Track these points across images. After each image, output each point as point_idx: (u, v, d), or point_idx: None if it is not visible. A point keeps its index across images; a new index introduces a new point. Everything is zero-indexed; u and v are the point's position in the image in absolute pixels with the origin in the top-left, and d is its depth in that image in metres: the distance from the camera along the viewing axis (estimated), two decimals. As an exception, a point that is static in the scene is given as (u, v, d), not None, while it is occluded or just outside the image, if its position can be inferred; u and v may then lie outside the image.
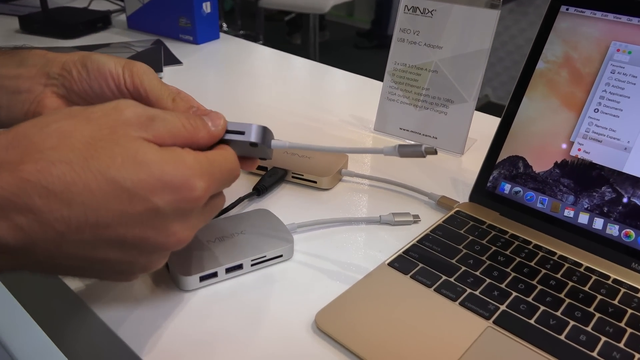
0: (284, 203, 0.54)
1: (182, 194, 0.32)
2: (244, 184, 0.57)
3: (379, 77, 0.88)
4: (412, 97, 0.67)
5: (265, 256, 0.45)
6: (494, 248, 0.47)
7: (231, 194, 0.55)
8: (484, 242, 0.48)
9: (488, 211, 0.53)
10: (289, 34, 3.79)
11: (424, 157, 0.41)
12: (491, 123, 0.76)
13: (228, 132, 0.38)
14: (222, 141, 0.38)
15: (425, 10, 0.65)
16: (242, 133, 0.39)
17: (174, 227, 0.32)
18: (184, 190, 0.32)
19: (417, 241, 0.48)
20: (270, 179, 0.56)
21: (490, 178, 0.54)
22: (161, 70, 0.87)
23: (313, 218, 0.52)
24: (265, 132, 0.40)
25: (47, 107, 0.42)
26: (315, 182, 0.57)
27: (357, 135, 0.70)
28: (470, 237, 0.49)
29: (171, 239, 0.33)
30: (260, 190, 0.54)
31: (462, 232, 0.49)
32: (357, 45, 3.86)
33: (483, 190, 0.54)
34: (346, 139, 0.69)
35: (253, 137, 0.39)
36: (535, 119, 0.51)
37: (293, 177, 0.57)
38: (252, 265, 0.44)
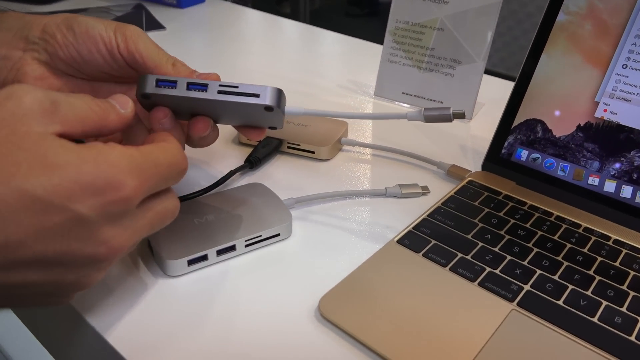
0: (279, 176, 0.50)
1: (107, 195, 0.26)
2: (235, 155, 0.52)
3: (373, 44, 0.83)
4: (416, 58, 0.62)
5: (260, 235, 0.40)
6: (512, 221, 0.43)
7: (221, 167, 0.50)
8: (501, 214, 0.44)
9: (503, 180, 0.48)
10: (277, 3, 3.68)
11: (451, 121, 0.39)
12: (499, 86, 0.71)
13: (240, 94, 0.35)
14: (232, 104, 0.35)
15: (429, -39, 0.59)
16: (256, 95, 0.35)
17: (104, 234, 0.27)
18: (109, 190, 0.26)
19: (428, 215, 0.43)
20: (264, 149, 0.51)
21: (505, 144, 0.49)
22: (143, 36, 0.81)
23: (312, 191, 0.47)
24: (281, 96, 0.36)
25: (28, 74, 0.37)
26: (313, 152, 0.52)
27: (356, 101, 0.65)
28: (486, 210, 0.44)
29: (102, 248, 0.27)
30: (253, 163, 0.49)
31: (476, 204, 0.45)
32: (348, 13, 3.76)
33: (497, 158, 0.49)
34: (345, 105, 0.64)
35: (268, 99, 0.35)
36: (555, 77, 0.46)
37: (289, 147, 0.52)
38: (246, 246, 0.40)
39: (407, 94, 0.63)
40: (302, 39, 0.89)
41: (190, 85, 0.35)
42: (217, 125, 0.41)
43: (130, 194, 0.27)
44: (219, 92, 0.35)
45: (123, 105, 0.32)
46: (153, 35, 0.84)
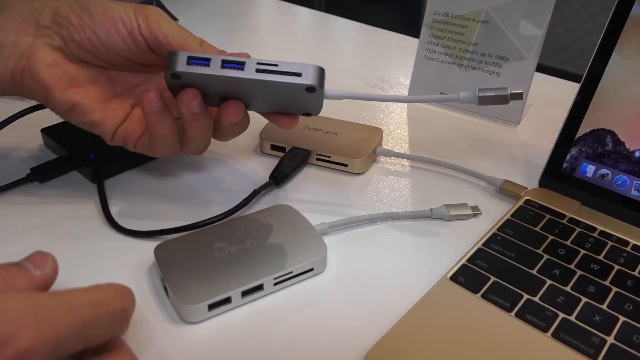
0: (308, 194, 0.44)
1: (4, 349, 0.21)
2: (258, 168, 0.46)
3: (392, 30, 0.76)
4: (456, 54, 0.55)
5: (291, 272, 0.34)
6: (582, 252, 0.37)
7: (243, 183, 0.44)
8: (568, 243, 0.38)
9: (566, 200, 0.42)
10: (291, -14, 3.59)
11: (507, 103, 0.35)
12: (549, 83, 0.64)
13: (281, 73, 0.32)
14: (271, 85, 0.32)
15: (474, -56, 0.52)
16: (297, 75, 0.32)
17: None
18: (5, 343, 0.21)
19: (483, 244, 0.38)
20: (290, 163, 0.45)
21: (568, 157, 0.43)
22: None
23: (346, 212, 0.41)
24: (323, 75, 0.33)
25: (40, 61, 0.35)
26: (345, 165, 0.46)
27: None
28: (550, 237, 0.38)
29: None
30: (279, 179, 0.43)
31: (538, 229, 0.39)
32: (364, -4, 3.66)
33: (558, 173, 0.43)
34: (375, 106, 0.57)
35: (311, 79, 0.32)
36: (628, 80, 0.40)
37: (318, 158, 0.47)
38: (275, 284, 0.34)
39: (445, 93, 0.57)
40: (321, 29, 0.82)
41: (226, 64, 0.32)
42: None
43: (23, 348, 0.21)
44: (257, 70, 0.32)
45: (39, 265, 0.26)
46: (164, 27, 0.78)
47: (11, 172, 0.44)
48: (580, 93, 0.42)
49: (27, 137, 0.48)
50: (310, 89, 0.33)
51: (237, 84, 0.33)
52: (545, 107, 0.58)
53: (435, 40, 0.56)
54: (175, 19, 0.80)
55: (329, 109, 0.54)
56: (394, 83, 0.63)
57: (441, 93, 0.57)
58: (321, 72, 0.33)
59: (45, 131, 0.47)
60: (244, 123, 0.38)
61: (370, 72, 0.65)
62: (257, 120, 0.50)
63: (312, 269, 0.35)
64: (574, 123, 0.42)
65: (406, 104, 0.58)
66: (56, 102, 0.36)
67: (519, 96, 0.35)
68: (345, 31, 0.82)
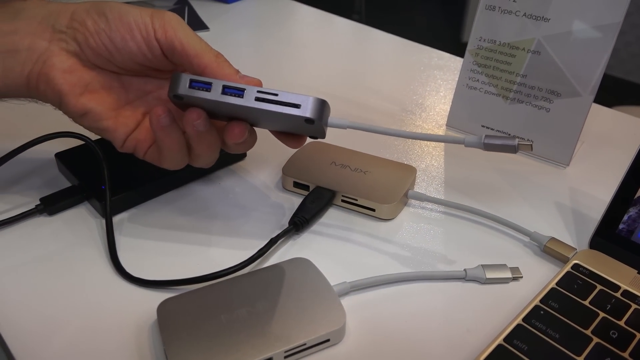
0: (330, 242, 0.40)
1: None
2: (278, 207, 0.43)
3: (430, 30, 0.71)
4: (502, 85, 0.51)
5: (305, 344, 0.31)
6: (638, 336, 0.32)
7: (260, 225, 0.41)
8: (622, 324, 0.33)
9: (621, 267, 0.37)
10: (332, -20, 3.54)
11: (515, 152, 0.34)
12: (604, 116, 0.58)
13: (279, 103, 0.33)
14: (270, 113, 0.33)
15: (528, -34, 0.47)
16: (296, 106, 0.33)
17: None
18: None
19: (523, 319, 0.33)
20: (313, 206, 0.41)
21: (625, 218, 0.38)
22: (183, 38, 0.73)
23: (371, 265, 0.38)
24: (324, 108, 0.34)
25: (56, 67, 0.35)
26: (373, 209, 0.42)
27: (423, 131, 0.54)
28: (601, 315, 0.34)
29: None
30: (299, 225, 0.40)
31: (587, 303, 0.34)
32: (406, -8, 3.57)
33: (612, 235, 0.38)
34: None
35: (309, 112, 0.33)
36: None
37: (343, 200, 0.43)
38: (286, 357, 0.31)
39: (487, 127, 0.52)
40: (358, 43, 0.78)
41: (227, 89, 0.33)
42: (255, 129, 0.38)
43: None
44: (257, 99, 0.33)
45: None
46: (194, 36, 0.75)
47: (25, 197, 0.42)
48: (644, 146, 0.37)
49: (44, 159, 0.46)
50: (308, 120, 0.33)
51: (238, 109, 0.34)
52: (599, 145, 0.53)
53: (479, 68, 0.51)
54: (206, 27, 0.78)
55: (360, 138, 0.50)
56: (431, 111, 0.58)
57: (483, 126, 0.53)
58: (321, 104, 0.33)
59: (59, 156, 0.45)
60: (250, 142, 0.38)
61: (407, 96, 0.61)
62: (280, 154, 0.47)
63: (328, 340, 0.32)
64: (634, 178, 0.37)
65: (442, 131, 0.54)
66: (70, 108, 0.36)
67: (528, 147, 0.34)
68: (384, 45, 0.77)
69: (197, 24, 0.78)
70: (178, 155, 0.37)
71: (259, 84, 0.35)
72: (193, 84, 0.33)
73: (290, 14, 0.86)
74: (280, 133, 0.39)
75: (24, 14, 0.35)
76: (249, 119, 0.36)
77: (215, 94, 0.33)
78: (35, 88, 0.36)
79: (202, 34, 0.76)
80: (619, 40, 2.20)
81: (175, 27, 0.35)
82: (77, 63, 0.36)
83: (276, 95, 0.33)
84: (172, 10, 0.82)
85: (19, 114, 0.39)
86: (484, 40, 0.50)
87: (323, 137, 0.37)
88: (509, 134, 0.51)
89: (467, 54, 0.52)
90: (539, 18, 0.47)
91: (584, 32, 0.45)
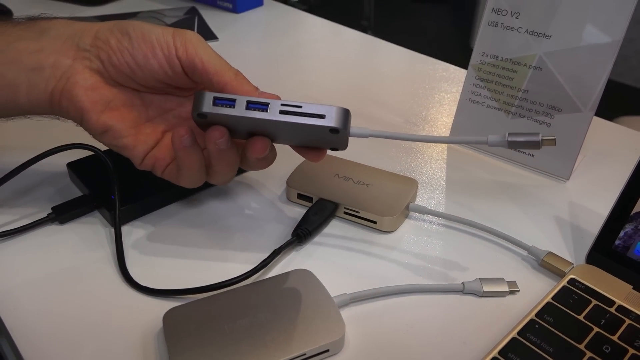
0: (331, 253, 0.41)
1: None
2: (282, 219, 0.44)
3: (438, 36, 0.72)
4: (504, 99, 0.51)
5: (304, 354, 0.32)
6: (631, 351, 0.33)
7: (264, 236, 0.42)
8: (615, 339, 0.34)
9: (616, 282, 0.38)
10: (342, -14, 3.55)
11: (539, 148, 0.35)
12: (605, 130, 0.59)
13: (304, 115, 0.33)
14: (294, 126, 0.33)
15: (530, -16, 0.48)
16: (321, 117, 0.33)
17: None
18: None
19: (519, 332, 0.34)
20: (316, 217, 0.43)
21: (621, 234, 0.38)
22: (192, 48, 0.74)
23: (371, 276, 0.39)
24: (348, 117, 0.34)
25: (79, 84, 0.36)
26: (374, 222, 0.43)
27: (426, 143, 0.55)
28: (595, 329, 0.34)
29: None
30: (302, 237, 0.41)
31: (581, 318, 0.35)
32: (416, -1, 3.58)
33: (608, 250, 0.39)
34: (412, 148, 0.54)
35: (334, 121, 0.33)
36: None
37: (345, 212, 0.44)
38: (285, 367, 0.32)
39: (489, 140, 0.53)
40: (364, 54, 0.79)
41: (250, 104, 0.33)
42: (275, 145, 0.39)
43: None
44: (281, 112, 0.33)
45: None
46: (204, 46, 0.77)
47: (37, 205, 0.43)
48: (641, 164, 0.38)
49: (56, 169, 0.47)
50: (333, 130, 0.33)
51: (262, 124, 0.34)
52: (600, 159, 0.53)
53: (482, 83, 0.52)
54: (215, 37, 0.79)
55: (363, 148, 0.51)
56: (435, 124, 0.59)
57: (485, 139, 0.53)
58: (345, 113, 0.33)
59: (71, 166, 0.46)
60: (270, 158, 0.39)
61: (411, 108, 0.62)
62: (284, 166, 0.48)
63: (327, 350, 0.33)
64: (630, 194, 0.38)
65: (446, 147, 0.55)
66: (91, 125, 0.37)
67: (551, 142, 0.34)
68: (390, 57, 0.78)
69: (206, 33, 0.80)
70: (197, 174, 0.38)
71: (279, 99, 0.35)
72: (217, 101, 0.33)
73: (299, 24, 0.88)
74: (301, 147, 0.39)
75: (50, 33, 0.36)
76: (271, 134, 0.36)
77: (239, 110, 0.33)
78: (58, 105, 0.36)
79: (211, 43, 0.77)
80: (629, 47, 2.19)
81: (196, 46, 0.36)
82: (99, 81, 0.37)
83: (300, 107, 0.33)
84: (182, 20, 0.84)
85: (31, 126, 0.41)
86: (487, 55, 0.51)
87: (345, 147, 0.37)
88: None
89: (469, 68, 0.53)
90: (540, 35, 0.48)
91: (585, 49, 0.46)
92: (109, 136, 0.37)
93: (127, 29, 0.36)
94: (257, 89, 0.36)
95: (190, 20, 0.83)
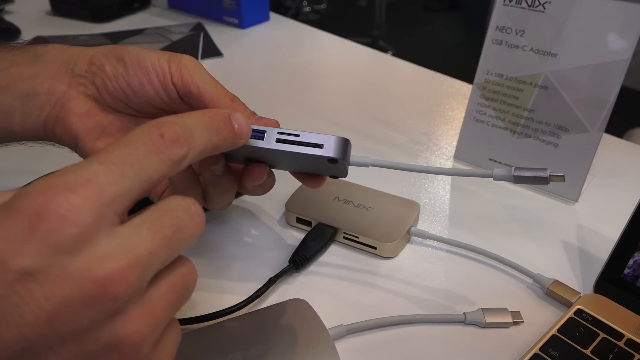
0: (329, 280, 0.40)
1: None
2: (280, 244, 0.43)
3: (450, 44, 0.70)
4: (509, 119, 0.50)
5: (297, 391, 0.31)
6: (641, 389, 0.31)
7: (260, 261, 0.41)
8: (624, 375, 0.32)
9: (625, 313, 0.36)
10: (354, -4, 3.56)
11: (547, 184, 0.34)
12: (614, 148, 0.57)
13: (301, 144, 0.32)
14: (292, 154, 0.32)
15: (534, 2, 0.47)
16: (319, 146, 0.32)
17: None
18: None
19: (521, 368, 0.33)
20: (314, 243, 0.42)
21: (631, 263, 0.37)
22: (197, 66, 0.74)
23: (369, 305, 0.38)
24: (347, 146, 0.33)
25: (73, 111, 0.35)
26: (374, 247, 0.42)
27: (430, 162, 0.54)
28: (603, 365, 0.33)
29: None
30: (299, 264, 0.40)
31: (588, 353, 0.34)
32: (427, 7, 3.58)
33: (617, 279, 0.37)
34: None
35: (332, 151, 0.32)
36: None
37: (345, 237, 0.43)
38: (277, 404, 0.31)
39: (494, 160, 0.52)
40: (370, 71, 0.78)
41: None
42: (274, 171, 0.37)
43: (118, 292, 0.20)
44: (278, 140, 0.32)
45: None
46: (209, 62, 0.76)
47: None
48: (650, 190, 0.36)
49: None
50: (332, 160, 0.32)
51: (259, 152, 0.33)
52: (609, 179, 0.52)
53: (487, 102, 0.51)
54: (220, 54, 0.79)
55: (363, 170, 0.50)
56: (439, 142, 0.58)
57: (490, 159, 0.52)
58: (344, 143, 0.33)
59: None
60: (269, 184, 0.37)
61: (415, 127, 0.61)
62: (284, 188, 0.47)
63: (321, 387, 0.32)
64: (639, 222, 0.37)
65: (450, 164, 0.53)
66: (86, 151, 0.36)
67: (560, 178, 0.33)
68: (396, 73, 0.77)
69: (211, 50, 0.80)
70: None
71: (277, 124, 0.35)
72: None
73: (304, 40, 0.87)
74: (299, 174, 0.38)
75: (45, 58, 0.36)
76: (268, 161, 0.36)
77: None
78: (52, 131, 0.36)
79: (215, 60, 0.77)
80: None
81: (191, 72, 0.35)
82: (95, 107, 0.36)
83: (297, 135, 0.32)
84: (188, 36, 0.84)
85: (33, 149, 0.41)
86: (491, 74, 0.50)
87: (344, 176, 0.36)
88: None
89: (474, 87, 0.52)
90: (546, 53, 0.47)
91: (592, 68, 0.45)
92: None
93: (122, 54, 0.35)
94: (254, 114, 0.36)
95: (196, 37, 0.83)
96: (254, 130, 0.32)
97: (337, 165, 0.33)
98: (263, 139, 0.32)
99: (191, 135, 0.24)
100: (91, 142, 0.36)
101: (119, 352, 0.21)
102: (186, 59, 0.36)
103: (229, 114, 0.28)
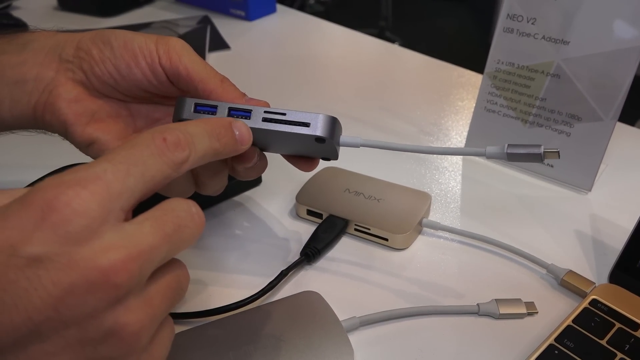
0: (341, 272, 0.40)
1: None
2: (290, 236, 0.43)
3: (458, 35, 0.70)
4: (521, 108, 0.50)
5: (311, 383, 0.31)
6: (658, 380, 0.31)
7: (271, 254, 0.41)
8: (641, 366, 0.32)
9: (641, 303, 0.36)
10: (360, -14, 3.53)
11: (542, 161, 0.33)
12: (628, 137, 0.56)
13: (288, 123, 0.32)
14: (278, 134, 0.32)
15: (546, -11, 0.46)
16: (305, 125, 0.32)
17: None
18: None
19: (537, 359, 0.32)
20: (325, 235, 0.41)
21: (646, 252, 0.36)
22: (204, 58, 0.74)
23: (382, 297, 0.38)
24: (335, 125, 0.33)
25: (62, 96, 0.35)
26: (386, 239, 0.42)
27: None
28: (619, 356, 0.32)
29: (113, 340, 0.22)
30: (310, 256, 0.40)
31: (604, 343, 0.33)
32: (434, -3, 3.55)
33: (633, 269, 0.37)
34: (426, 159, 0.53)
35: (319, 130, 0.32)
36: None
37: (356, 229, 0.43)
38: (291, 396, 0.31)
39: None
40: (379, 61, 0.78)
41: (232, 111, 0.32)
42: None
43: (122, 281, 0.21)
44: (264, 119, 0.32)
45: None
46: (216, 55, 0.76)
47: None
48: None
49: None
50: (319, 139, 0.32)
51: None
52: (623, 168, 0.51)
53: (498, 91, 0.50)
54: (227, 46, 0.79)
55: (375, 162, 0.50)
56: (450, 133, 0.58)
57: (502, 149, 0.52)
58: (332, 121, 0.32)
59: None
60: (261, 167, 0.37)
61: (425, 117, 0.60)
62: (296, 179, 0.47)
63: (335, 378, 0.32)
64: (656, 212, 0.36)
65: (461, 158, 0.53)
66: (76, 137, 0.35)
67: (554, 155, 0.32)
68: (405, 63, 0.77)
69: (218, 43, 0.79)
70: (184, 185, 0.36)
71: (266, 105, 0.34)
72: (198, 108, 0.33)
73: (311, 31, 0.87)
74: (292, 157, 0.38)
75: (32, 45, 0.35)
76: (258, 142, 0.35)
77: (221, 117, 0.32)
78: (41, 118, 0.36)
79: (223, 53, 0.77)
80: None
81: (179, 53, 0.34)
82: (83, 92, 0.35)
83: (284, 114, 0.32)
84: (195, 29, 0.84)
85: (37, 141, 0.40)
86: (502, 62, 0.50)
87: (336, 158, 0.36)
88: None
89: (484, 76, 0.51)
90: (558, 41, 0.46)
91: (606, 55, 0.44)
92: (95, 149, 0.36)
93: (109, 38, 0.35)
94: (244, 95, 0.35)
95: (203, 30, 0.83)
96: (239, 110, 0.32)
97: (325, 145, 0.33)
98: (249, 118, 0.32)
99: (192, 140, 0.26)
100: (80, 128, 0.35)
101: (119, 338, 0.22)
102: (174, 40, 0.35)
103: (230, 121, 0.29)
